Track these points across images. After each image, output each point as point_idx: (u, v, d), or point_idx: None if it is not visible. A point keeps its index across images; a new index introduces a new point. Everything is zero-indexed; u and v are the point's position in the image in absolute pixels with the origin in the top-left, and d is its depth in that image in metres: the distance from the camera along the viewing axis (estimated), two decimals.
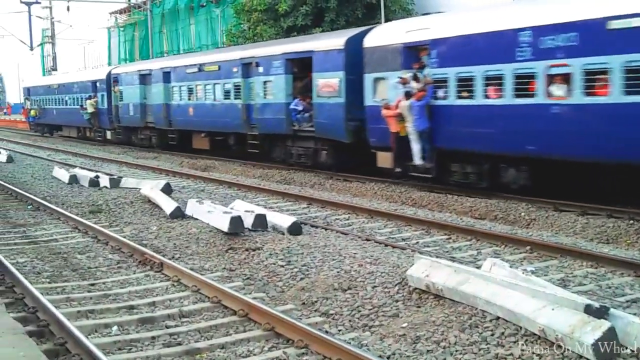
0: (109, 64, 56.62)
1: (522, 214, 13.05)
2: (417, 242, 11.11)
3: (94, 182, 17.59)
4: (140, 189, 15.83)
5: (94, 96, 35.78)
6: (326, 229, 12.08)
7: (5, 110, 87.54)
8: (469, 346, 6.11)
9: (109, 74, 34.72)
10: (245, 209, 12.11)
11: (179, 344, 6.63)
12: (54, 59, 65.44)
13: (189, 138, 27.66)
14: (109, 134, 35.61)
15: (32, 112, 47.31)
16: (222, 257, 9.98)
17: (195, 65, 26.46)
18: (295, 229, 11.25)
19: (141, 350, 6.50)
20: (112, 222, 13.03)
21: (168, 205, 13.31)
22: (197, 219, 12.23)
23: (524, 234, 11.52)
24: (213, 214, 11.63)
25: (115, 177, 18.28)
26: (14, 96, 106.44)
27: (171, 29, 50.38)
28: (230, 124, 23.90)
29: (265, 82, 21.77)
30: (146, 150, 31.00)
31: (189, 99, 26.78)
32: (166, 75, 28.58)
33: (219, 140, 25.77)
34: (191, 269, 9.06)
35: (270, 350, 6.44)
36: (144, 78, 30.82)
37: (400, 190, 16.26)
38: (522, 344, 5.97)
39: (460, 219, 13.18)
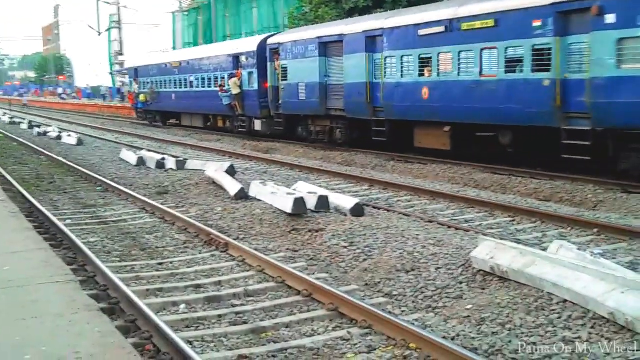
0: (174, 49, 57.49)
1: (589, 195, 12.76)
2: (480, 224, 11.00)
3: (161, 164, 17.98)
4: (205, 170, 16.10)
5: (236, 74, 27.89)
6: (388, 211, 12.06)
7: (74, 94, 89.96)
8: (535, 329, 6.04)
9: (262, 45, 26.24)
10: (308, 190, 12.20)
11: (245, 322, 6.74)
12: (121, 43, 66.86)
13: (408, 132, 19.26)
14: (257, 125, 27.17)
15: (142, 97, 38.56)
16: (286, 237, 10.09)
17: (438, 22, 17.39)
18: (357, 211, 11.27)
19: (208, 328, 6.64)
20: (178, 203, 13.30)
21: (232, 186, 13.50)
22: (260, 200, 12.37)
23: (591, 216, 11.27)
24: (276, 195, 11.75)
25: (180, 159, 18.63)
26: (81, 80, 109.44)
27: (233, 12, 50.80)
28: (518, 113, 15.31)
29: (620, 42, 12.93)
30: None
31: (421, 75, 18.11)
32: (371, 42, 19.91)
33: (477, 137, 17.25)
34: (255, 250, 9.20)
35: (334, 330, 6.50)
36: (326, 47, 22.21)
37: (463, 172, 16.08)
38: (591, 328, 5.88)
39: (525, 200, 12.97)
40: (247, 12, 49.11)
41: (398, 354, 5.82)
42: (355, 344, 6.10)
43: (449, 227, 10.62)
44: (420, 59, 18.05)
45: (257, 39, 27.71)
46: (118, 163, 19.81)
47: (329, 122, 22.84)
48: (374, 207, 12.32)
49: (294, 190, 12.33)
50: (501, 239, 8.77)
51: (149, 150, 21.56)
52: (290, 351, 5.99)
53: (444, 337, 6.02)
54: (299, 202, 10.94)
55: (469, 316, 6.54)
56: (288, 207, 10.95)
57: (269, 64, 25.66)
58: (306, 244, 9.65)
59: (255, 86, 26.53)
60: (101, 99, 75.28)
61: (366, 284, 7.91)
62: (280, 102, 24.96)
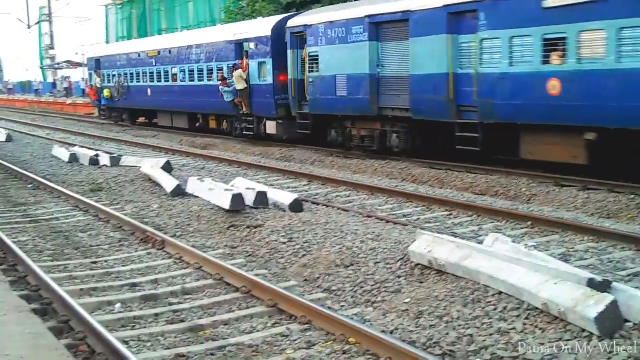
0: (107, 43, 56.31)
1: (523, 189, 13.05)
2: (419, 219, 11.12)
3: (94, 161, 17.57)
4: (140, 167, 15.81)
5: (240, 65, 22.77)
6: (327, 206, 12.07)
7: (4, 89, 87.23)
8: (472, 321, 6.13)
9: (279, 28, 21.14)
10: (246, 186, 12.12)
11: (182, 321, 6.65)
12: (52, 37, 65.21)
13: (509, 139, 14.48)
14: (271, 127, 22.04)
15: (106, 93, 33.66)
16: (224, 234, 9.99)
17: None
18: (296, 206, 11.24)
19: (145, 327, 6.51)
20: (113, 200, 13.03)
21: (169, 183, 13.30)
22: (198, 197, 12.22)
23: (525, 210, 11.53)
24: (214, 191, 11.62)
25: (115, 155, 18.25)
26: (11, 75, 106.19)
27: (169, 6, 50.11)
28: None
29: None
30: (146, 128, 28.38)
31: (546, 62, 13.24)
32: (455, 19, 15.09)
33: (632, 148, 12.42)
34: (193, 247, 9.08)
35: (273, 326, 6.46)
36: (380, 29, 17.28)
37: (401, 167, 16.23)
38: (525, 319, 6.00)
39: (461, 195, 13.18)
40: (182, 6, 48.53)
41: (338, 349, 5.82)
42: (295, 340, 6.07)
43: (388, 221, 10.69)
44: (545, 40, 13.16)
45: (271, 21, 22.38)
46: (50, 160, 19.26)
47: (380, 124, 17.90)
48: (313, 203, 12.31)
49: (232, 186, 12.23)
50: (439, 233, 8.88)
51: (82, 147, 21.03)
52: (229, 349, 5.92)
53: (383, 331, 6.05)
54: (237, 198, 10.84)
55: (407, 310, 6.59)
56: (226, 204, 10.83)
57: (289, 51, 20.45)
58: (245, 241, 9.57)
59: (270, 79, 21.42)
60: (33, 93, 73.29)
61: (305, 280, 7.89)
62: (312, 100, 19.80)
